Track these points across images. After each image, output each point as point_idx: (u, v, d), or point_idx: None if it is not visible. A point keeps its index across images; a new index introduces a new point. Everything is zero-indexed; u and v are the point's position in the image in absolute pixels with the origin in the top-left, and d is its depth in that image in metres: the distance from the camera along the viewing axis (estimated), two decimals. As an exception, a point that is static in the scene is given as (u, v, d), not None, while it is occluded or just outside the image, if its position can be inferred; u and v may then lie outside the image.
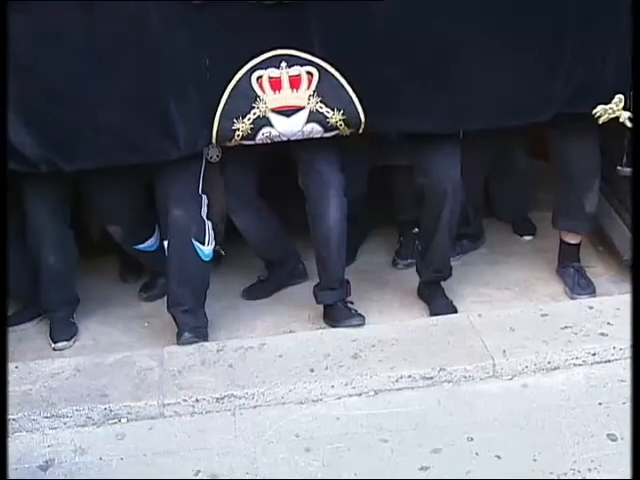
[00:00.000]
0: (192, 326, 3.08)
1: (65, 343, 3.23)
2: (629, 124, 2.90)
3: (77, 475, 2.58)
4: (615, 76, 2.87)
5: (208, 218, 3.07)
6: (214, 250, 3.12)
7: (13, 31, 2.58)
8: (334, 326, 3.15)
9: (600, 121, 2.93)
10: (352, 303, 3.21)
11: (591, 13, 2.77)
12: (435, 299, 3.26)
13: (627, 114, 2.89)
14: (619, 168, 3.08)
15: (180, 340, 3.06)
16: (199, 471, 2.56)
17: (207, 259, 3.06)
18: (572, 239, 3.37)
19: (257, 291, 3.48)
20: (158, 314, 3.35)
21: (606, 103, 2.90)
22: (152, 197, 3.16)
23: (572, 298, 3.30)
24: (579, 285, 3.32)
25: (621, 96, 2.88)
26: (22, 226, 3.16)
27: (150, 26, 2.63)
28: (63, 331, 3.25)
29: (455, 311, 3.21)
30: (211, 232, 3.07)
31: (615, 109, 2.90)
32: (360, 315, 3.14)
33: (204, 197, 3.05)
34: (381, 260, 3.70)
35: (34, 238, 3.11)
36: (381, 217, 3.80)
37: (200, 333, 3.09)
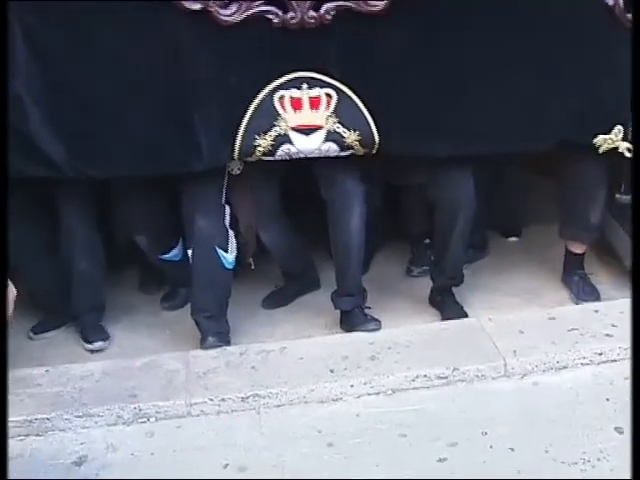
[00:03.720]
0: (215, 331, 3.21)
1: (102, 343, 3.35)
2: (628, 154, 3.03)
3: (110, 470, 2.69)
4: (614, 107, 3.00)
5: (231, 227, 3.20)
6: (236, 258, 3.24)
7: (47, 43, 2.74)
8: (351, 331, 3.27)
9: (600, 151, 3.06)
10: (369, 308, 3.34)
11: (588, 47, 2.90)
12: (447, 305, 3.40)
13: (626, 144, 3.02)
14: (617, 196, 3.23)
15: (204, 344, 3.19)
16: (227, 465, 2.68)
17: (230, 267, 3.20)
18: (577, 248, 3.50)
19: (275, 300, 3.62)
20: (180, 321, 3.48)
21: (606, 133, 3.03)
22: (176, 208, 3.30)
23: (577, 304, 3.42)
24: (584, 292, 3.46)
25: (620, 127, 3.01)
26: (51, 236, 3.29)
27: (181, 45, 2.77)
28: (96, 333, 3.37)
29: (466, 316, 3.35)
30: (234, 241, 3.21)
31: (614, 139, 3.04)
32: (376, 320, 3.28)
33: (227, 207, 3.19)
34: (393, 270, 3.84)
35: (67, 244, 3.25)
36: (392, 230, 3.93)
37: (223, 338, 3.23)
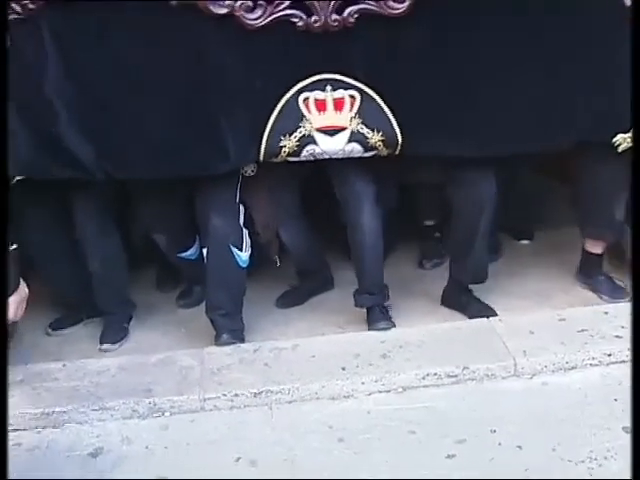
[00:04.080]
0: (230, 329, 3.26)
1: (110, 345, 3.40)
2: None
3: (125, 462, 2.74)
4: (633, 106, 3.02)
5: (245, 227, 3.26)
6: (250, 257, 3.30)
7: (75, 46, 2.82)
8: (369, 328, 3.35)
9: (619, 149, 3.09)
10: (389, 308, 3.41)
11: (608, 47, 2.94)
12: (469, 303, 3.45)
13: None
14: None
15: (219, 341, 3.25)
16: (239, 458, 2.73)
17: (244, 265, 3.26)
18: (598, 249, 3.53)
19: (290, 299, 3.67)
20: (195, 319, 3.54)
21: (625, 132, 3.06)
22: (193, 208, 3.36)
23: (610, 302, 3.45)
24: (614, 291, 3.49)
25: None
26: (71, 234, 3.36)
27: (208, 48, 2.83)
28: (112, 334, 3.43)
29: (494, 312, 3.39)
30: (248, 239, 3.26)
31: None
32: (389, 320, 3.34)
33: (241, 207, 3.25)
34: (405, 269, 3.89)
35: (82, 245, 3.32)
36: (403, 227, 3.97)
37: (237, 336, 3.28)
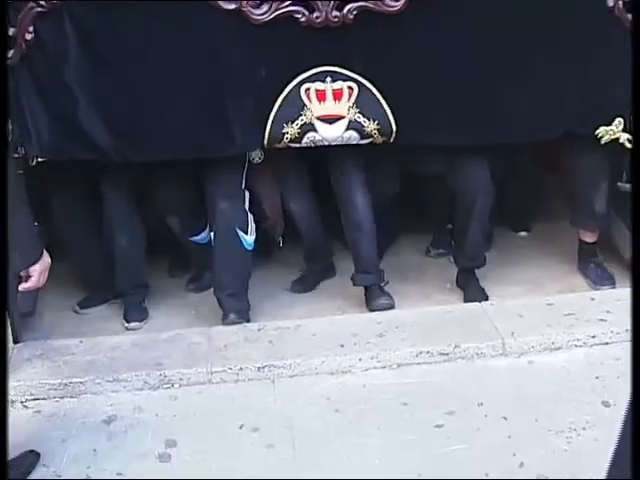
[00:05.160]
0: (236, 309, 3.47)
1: (137, 324, 3.61)
2: (628, 145, 3.23)
3: (136, 427, 2.95)
4: (616, 101, 3.20)
5: (251, 211, 3.46)
6: (255, 241, 3.51)
7: (95, 34, 3.03)
8: (369, 307, 3.54)
9: (602, 142, 3.27)
10: (387, 283, 3.63)
11: (591, 45, 3.13)
12: (469, 287, 3.65)
13: (626, 135, 3.23)
14: (619, 184, 3.45)
15: (226, 321, 3.45)
16: (242, 425, 2.93)
17: (249, 248, 3.46)
18: (589, 237, 3.71)
19: (301, 285, 3.86)
20: (204, 303, 3.74)
21: (607, 125, 3.25)
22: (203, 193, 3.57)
23: (596, 289, 3.63)
24: (601, 277, 3.66)
25: (621, 119, 3.23)
26: (96, 216, 3.58)
27: (217, 40, 3.05)
28: (136, 313, 3.64)
29: (486, 298, 3.57)
30: (253, 224, 3.46)
31: (615, 131, 3.25)
32: (389, 295, 3.53)
33: (247, 192, 3.46)
34: (410, 257, 4.09)
35: (109, 222, 3.53)
36: (412, 216, 4.16)
37: (243, 315, 3.48)
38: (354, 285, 3.60)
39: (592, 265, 3.72)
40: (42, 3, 2.96)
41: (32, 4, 2.95)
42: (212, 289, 3.61)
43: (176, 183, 3.54)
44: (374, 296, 3.54)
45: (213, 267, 3.51)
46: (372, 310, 3.53)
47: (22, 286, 2.46)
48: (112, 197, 3.51)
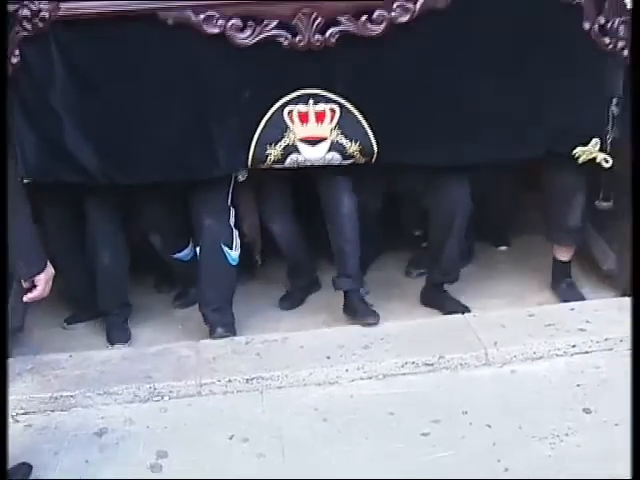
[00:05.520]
0: (223, 323, 3.52)
1: (121, 345, 3.61)
2: (605, 165, 3.33)
3: (128, 439, 3.00)
4: (592, 122, 3.31)
5: (236, 227, 3.52)
6: (240, 256, 3.56)
7: (81, 58, 3.06)
8: (352, 320, 3.58)
9: (580, 161, 3.36)
10: (367, 293, 3.68)
11: (569, 68, 3.21)
12: (445, 300, 3.71)
13: (603, 155, 3.32)
14: (597, 203, 3.51)
15: (214, 335, 3.50)
16: (232, 436, 2.98)
17: (234, 263, 3.51)
18: (563, 256, 3.78)
19: (289, 302, 3.90)
20: (190, 318, 3.79)
21: (584, 145, 3.33)
22: (187, 211, 3.62)
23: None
24: (572, 298, 3.72)
25: (597, 139, 3.32)
26: (81, 235, 3.61)
27: (202, 64, 3.10)
28: (119, 333, 3.65)
29: (468, 309, 3.65)
30: (238, 239, 3.52)
31: (592, 151, 3.33)
32: (375, 313, 3.56)
33: (232, 209, 3.52)
34: (391, 273, 4.12)
35: (92, 241, 3.55)
36: (391, 233, 4.21)
37: (230, 329, 3.54)
38: (335, 289, 3.64)
39: (564, 285, 3.79)
40: (28, 27, 2.99)
41: (18, 28, 2.98)
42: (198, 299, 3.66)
43: (159, 201, 3.59)
44: (361, 310, 3.57)
45: (198, 282, 3.56)
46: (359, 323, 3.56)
47: (27, 296, 2.50)
48: (96, 215, 3.54)
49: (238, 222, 3.59)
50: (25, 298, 2.53)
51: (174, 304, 4.00)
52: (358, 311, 3.57)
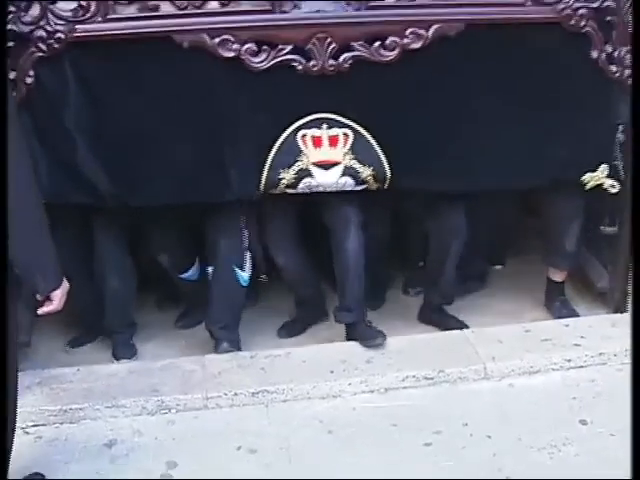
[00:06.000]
0: (229, 339, 3.59)
1: (126, 360, 3.65)
2: (612, 190, 3.44)
3: (138, 450, 3.07)
4: (600, 148, 3.40)
5: (248, 249, 3.59)
6: (250, 277, 3.63)
7: (96, 81, 3.10)
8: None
9: (587, 187, 3.45)
10: (371, 323, 3.68)
11: (577, 95, 3.29)
12: (442, 318, 3.79)
13: (610, 181, 3.43)
14: (602, 228, 3.64)
15: (219, 349, 3.57)
16: (240, 447, 3.06)
17: (245, 284, 3.58)
18: (557, 277, 3.87)
19: (289, 330, 3.89)
20: (195, 335, 3.86)
21: (592, 172, 3.43)
22: (194, 232, 3.69)
23: None
24: (562, 315, 3.82)
25: (605, 165, 3.42)
26: (87, 256, 3.65)
27: (216, 87, 3.13)
28: (125, 350, 3.70)
29: (466, 326, 3.73)
30: (249, 261, 3.59)
31: (600, 176, 3.43)
32: (381, 333, 3.57)
33: (245, 231, 3.58)
34: (388, 294, 4.20)
35: (100, 264, 3.60)
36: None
37: (235, 345, 3.61)
38: (335, 321, 3.70)
39: (557, 303, 3.88)
40: (43, 48, 3.02)
41: (33, 49, 3.01)
42: (201, 325, 3.74)
43: (169, 221, 3.64)
44: (366, 334, 3.59)
45: (209, 301, 3.61)
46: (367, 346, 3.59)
47: (42, 310, 2.52)
48: (104, 237, 3.58)
49: (251, 244, 3.63)
50: (40, 311, 2.55)
51: (177, 324, 4.02)
52: (363, 336, 3.58)
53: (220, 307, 3.59)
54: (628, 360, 3.41)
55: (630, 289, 3.50)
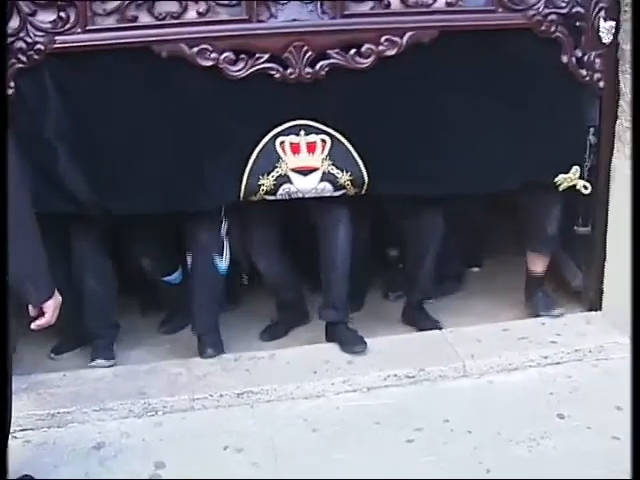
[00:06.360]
0: (212, 343, 3.63)
1: (103, 361, 3.66)
2: (584, 191, 3.54)
3: (126, 452, 3.11)
4: (572, 150, 3.50)
5: (226, 235, 3.63)
6: (229, 269, 3.69)
7: (75, 93, 3.15)
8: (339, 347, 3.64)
9: (560, 188, 3.55)
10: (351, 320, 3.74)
11: (549, 100, 3.40)
12: (422, 318, 3.87)
13: (582, 182, 3.53)
14: (576, 228, 3.72)
15: (204, 355, 3.61)
16: (227, 447, 3.11)
17: (223, 272, 3.64)
18: (538, 267, 3.92)
19: (271, 333, 3.93)
20: (178, 339, 3.92)
21: (565, 173, 3.52)
22: (177, 238, 3.75)
23: (539, 316, 3.86)
24: (546, 304, 3.88)
25: (577, 167, 3.52)
26: (66, 262, 3.65)
27: (195, 95, 3.20)
28: (103, 352, 3.70)
29: (440, 327, 3.80)
30: (227, 249, 3.63)
31: (573, 178, 3.53)
32: (362, 340, 3.60)
33: (224, 221, 3.63)
34: (369, 297, 4.28)
35: (78, 268, 3.63)
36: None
37: (219, 348, 3.65)
38: (320, 319, 3.75)
39: (540, 294, 3.95)
40: (23, 59, 3.07)
41: (14, 60, 3.05)
42: (185, 329, 3.83)
43: (150, 225, 3.67)
44: (346, 338, 3.63)
45: (190, 290, 3.65)
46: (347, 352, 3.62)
47: (36, 324, 2.52)
48: (81, 242, 3.61)
49: (228, 231, 3.67)
50: (33, 326, 2.54)
51: (160, 330, 4.06)
52: (344, 340, 3.62)
53: (200, 295, 3.62)
54: (603, 356, 3.56)
55: (604, 287, 3.65)
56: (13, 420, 3.14)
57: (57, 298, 2.53)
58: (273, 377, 3.46)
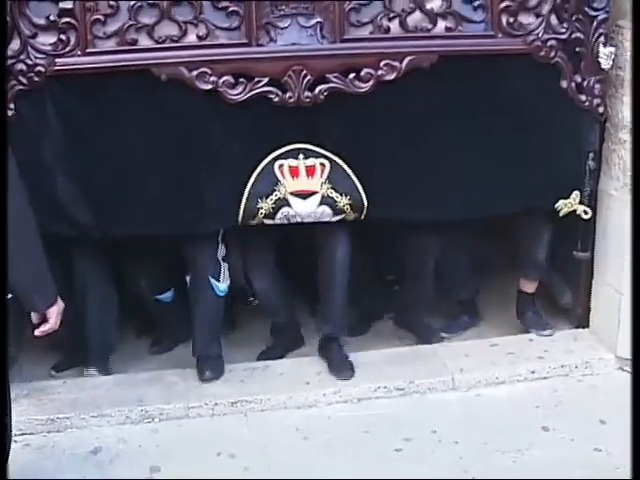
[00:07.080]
0: (212, 367, 3.63)
1: (95, 370, 3.73)
2: (585, 216, 3.58)
3: (122, 456, 3.20)
4: (572, 176, 3.53)
5: (224, 260, 3.68)
6: (228, 294, 3.72)
7: (75, 117, 3.16)
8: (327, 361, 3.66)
9: (561, 214, 3.58)
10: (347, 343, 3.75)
11: (549, 126, 3.42)
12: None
13: (582, 207, 3.57)
14: (575, 253, 3.76)
15: (202, 377, 3.61)
16: (220, 453, 3.20)
17: (221, 294, 3.69)
18: (529, 288, 3.99)
19: (268, 357, 3.87)
20: (172, 354, 4.02)
21: (565, 198, 3.57)
22: (172, 258, 3.79)
23: (529, 332, 3.94)
24: (538, 323, 3.96)
25: (578, 192, 3.55)
26: (66, 280, 3.63)
27: (194, 119, 3.22)
28: (98, 363, 3.77)
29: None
30: (226, 272, 3.66)
31: (573, 203, 3.57)
32: (351, 367, 3.60)
33: (222, 245, 3.68)
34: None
35: (81, 292, 3.67)
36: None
37: (218, 372, 3.64)
38: (316, 330, 3.83)
39: (530, 313, 4.04)
40: (24, 82, 3.09)
41: (14, 82, 3.07)
42: (175, 350, 3.96)
43: (147, 245, 3.66)
44: (337, 360, 3.63)
45: (190, 314, 3.70)
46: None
47: (39, 330, 2.53)
48: (83, 264, 3.66)
49: (227, 257, 3.70)
50: (37, 332, 2.55)
51: (151, 350, 4.08)
52: (334, 363, 3.62)
53: (199, 318, 3.68)
54: (588, 372, 3.65)
55: (592, 305, 3.75)
56: (14, 424, 3.24)
57: (60, 304, 2.57)
58: (267, 387, 3.55)
